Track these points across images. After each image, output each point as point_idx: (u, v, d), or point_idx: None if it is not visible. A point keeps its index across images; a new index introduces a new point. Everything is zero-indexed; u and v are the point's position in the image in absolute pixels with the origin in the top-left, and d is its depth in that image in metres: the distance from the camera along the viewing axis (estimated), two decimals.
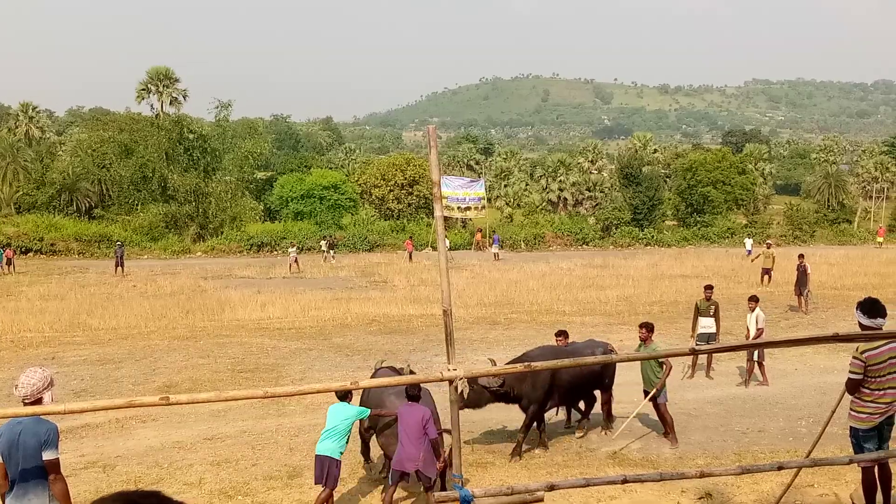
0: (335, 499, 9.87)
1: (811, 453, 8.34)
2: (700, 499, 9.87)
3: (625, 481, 6.43)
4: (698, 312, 17.62)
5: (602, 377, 13.26)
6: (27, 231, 54.09)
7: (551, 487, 6.13)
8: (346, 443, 9.70)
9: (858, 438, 8.13)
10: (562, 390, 12.66)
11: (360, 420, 10.30)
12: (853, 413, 8.14)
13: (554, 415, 14.10)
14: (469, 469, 10.89)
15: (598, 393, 13.63)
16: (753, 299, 17.26)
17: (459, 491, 5.70)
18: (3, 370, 18.45)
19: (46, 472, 6.24)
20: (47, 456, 6.20)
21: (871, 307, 7.95)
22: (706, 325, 17.35)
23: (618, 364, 13.06)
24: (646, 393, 12.94)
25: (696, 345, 16.58)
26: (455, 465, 6.54)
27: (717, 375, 17.55)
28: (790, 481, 8.94)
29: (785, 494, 9.06)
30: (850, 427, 8.22)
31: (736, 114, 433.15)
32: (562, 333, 13.88)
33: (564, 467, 11.56)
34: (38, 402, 6.23)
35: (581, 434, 13.35)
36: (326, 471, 9.46)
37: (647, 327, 12.87)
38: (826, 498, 9.74)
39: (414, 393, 9.51)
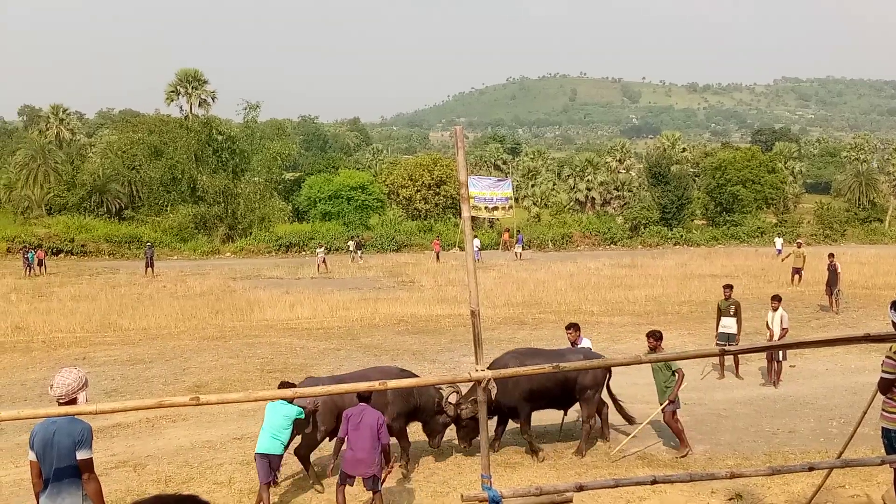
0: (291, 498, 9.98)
1: (842, 454, 8.26)
2: (730, 500, 9.82)
3: (654, 482, 6.39)
4: (720, 312, 17.56)
5: (574, 385, 12.25)
6: (58, 232, 54.81)
7: (580, 488, 6.11)
8: (289, 439, 9.88)
9: (890, 439, 8.07)
10: (539, 393, 12.07)
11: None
12: (885, 413, 8.07)
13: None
14: (497, 469, 10.86)
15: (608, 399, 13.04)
16: (776, 298, 17.16)
17: (488, 491, 5.69)
18: (36, 370, 18.71)
19: (80, 472, 6.30)
20: (81, 455, 6.25)
21: None
22: (727, 325, 17.25)
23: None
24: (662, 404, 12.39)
25: (717, 345, 16.55)
26: (483, 465, 6.53)
27: (746, 375, 17.41)
28: (821, 482, 8.86)
29: (816, 495, 8.99)
30: (882, 427, 8.15)
31: (765, 112, 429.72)
32: (572, 326, 13.64)
33: (593, 468, 11.51)
34: (73, 402, 6.28)
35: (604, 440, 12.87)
36: (273, 467, 9.69)
37: (655, 336, 12.29)
38: (857, 499, 9.65)
39: (366, 394, 9.34)
